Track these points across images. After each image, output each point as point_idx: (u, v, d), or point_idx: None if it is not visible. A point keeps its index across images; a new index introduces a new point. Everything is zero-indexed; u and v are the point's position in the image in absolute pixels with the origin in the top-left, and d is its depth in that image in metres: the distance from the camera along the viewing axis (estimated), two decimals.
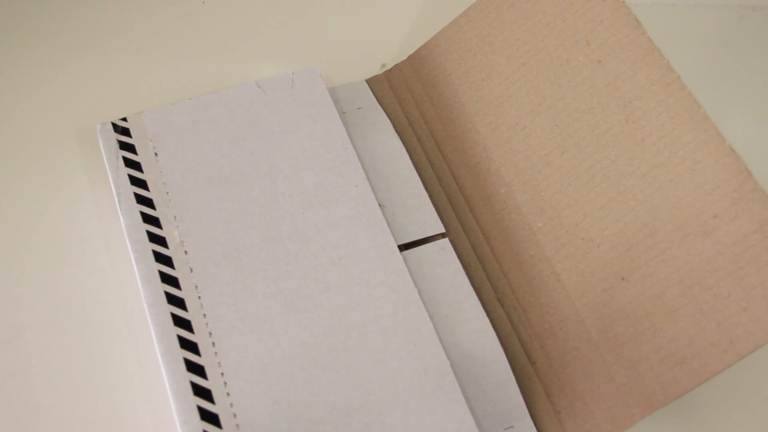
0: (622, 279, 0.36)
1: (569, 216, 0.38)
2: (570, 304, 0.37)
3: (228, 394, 0.35)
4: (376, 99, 0.46)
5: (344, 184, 0.41)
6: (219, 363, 0.35)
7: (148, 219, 0.39)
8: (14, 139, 0.45)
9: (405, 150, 0.44)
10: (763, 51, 0.48)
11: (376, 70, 0.49)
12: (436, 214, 0.42)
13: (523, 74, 0.41)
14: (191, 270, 0.38)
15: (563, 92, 0.40)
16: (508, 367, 0.37)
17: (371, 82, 0.47)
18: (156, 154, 0.41)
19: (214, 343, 0.36)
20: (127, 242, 0.38)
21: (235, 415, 0.34)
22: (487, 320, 0.38)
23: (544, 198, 0.39)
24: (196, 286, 0.37)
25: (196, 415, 0.34)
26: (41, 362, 0.38)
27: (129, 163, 0.41)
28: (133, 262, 0.38)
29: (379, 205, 0.41)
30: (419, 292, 0.38)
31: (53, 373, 0.38)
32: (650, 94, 0.36)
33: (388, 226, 0.40)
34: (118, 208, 0.39)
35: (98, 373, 0.38)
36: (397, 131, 0.45)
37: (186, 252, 0.38)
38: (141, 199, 0.40)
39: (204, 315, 0.37)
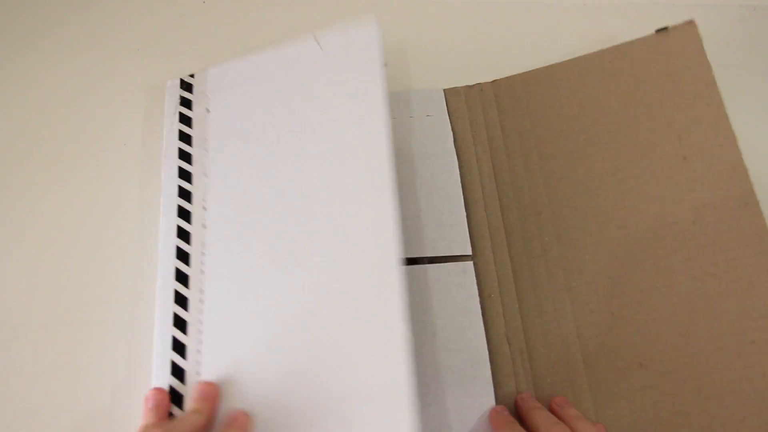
0: (640, 365, 0.36)
1: (608, 288, 0.38)
2: (578, 371, 0.37)
3: (199, 351, 0.35)
4: (448, 111, 0.46)
5: (365, 161, 0.38)
6: (201, 320, 0.35)
7: (182, 174, 0.39)
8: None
9: (458, 167, 0.43)
10: (763, 51, 0.49)
11: None
12: (467, 235, 0.41)
13: (606, 141, 0.42)
14: (204, 226, 0.37)
15: (640, 172, 0.40)
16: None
17: (449, 93, 0.47)
18: (208, 110, 0.41)
19: (202, 300, 0.36)
20: (161, 196, 0.39)
21: (198, 373, 0.34)
22: (486, 353, 0.38)
23: (588, 262, 0.39)
24: (203, 242, 0.37)
25: (168, 369, 0.34)
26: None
27: (183, 119, 0.41)
28: (161, 215, 0.38)
29: (413, 216, 0.40)
30: (430, 308, 0.38)
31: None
32: (726, 207, 0.37)
33: (420, 236, 0.39)
34: (163, 162, 0.40)
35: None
36: (458, 147, 0.44)
37: (205, 208, 0.38)
38: (182, 154, 0.40)
39: (202, 271, 0.36)
